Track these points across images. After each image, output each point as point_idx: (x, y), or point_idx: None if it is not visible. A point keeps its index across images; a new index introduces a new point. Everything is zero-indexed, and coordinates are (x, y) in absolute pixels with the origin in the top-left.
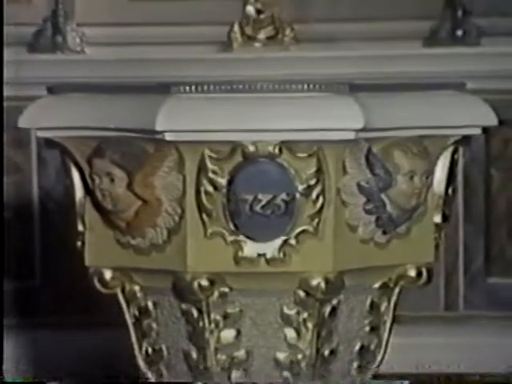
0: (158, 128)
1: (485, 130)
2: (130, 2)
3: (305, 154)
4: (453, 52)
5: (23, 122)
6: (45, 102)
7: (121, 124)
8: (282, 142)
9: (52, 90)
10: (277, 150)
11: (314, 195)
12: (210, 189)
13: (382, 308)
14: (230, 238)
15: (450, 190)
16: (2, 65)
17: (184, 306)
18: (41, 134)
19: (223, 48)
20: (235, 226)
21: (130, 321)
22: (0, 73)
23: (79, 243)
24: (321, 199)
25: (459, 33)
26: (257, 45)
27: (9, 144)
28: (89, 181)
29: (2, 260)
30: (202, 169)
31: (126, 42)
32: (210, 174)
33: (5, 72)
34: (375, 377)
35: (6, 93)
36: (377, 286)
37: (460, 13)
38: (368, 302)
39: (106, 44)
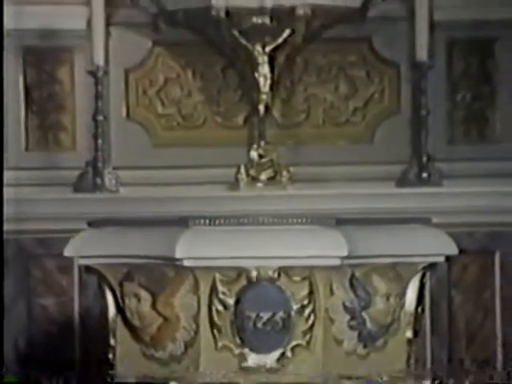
0: (178, 256)
1: (447, 257)
2: (154, 149)
3: (299, 278)
4: (420, 191)
5: (68, 251)
6: (86, 234)
7: (147, 252)
8: (280, 268)
9: (92, 224)
10: (276, 275)
11: (306, 313)
12: (221, 308)
13: None
14: (237, 351)
15: (419, 309)
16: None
17: None
18: (82, 261)
19: (231, 187)
20: (241, 339)
21: None
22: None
23: (111, 355)
24: (312, 317)
25: (425, 175)
26: (259, 184)
27: (55, 270)
28: (120, 301)
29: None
30: (213, 290)
31: (152, 183)
32: (221, 295)
33: (52, 209)
34: None
35: (53, 226)
36: None
37: (425, 159)
38: None
39: (136, 184)
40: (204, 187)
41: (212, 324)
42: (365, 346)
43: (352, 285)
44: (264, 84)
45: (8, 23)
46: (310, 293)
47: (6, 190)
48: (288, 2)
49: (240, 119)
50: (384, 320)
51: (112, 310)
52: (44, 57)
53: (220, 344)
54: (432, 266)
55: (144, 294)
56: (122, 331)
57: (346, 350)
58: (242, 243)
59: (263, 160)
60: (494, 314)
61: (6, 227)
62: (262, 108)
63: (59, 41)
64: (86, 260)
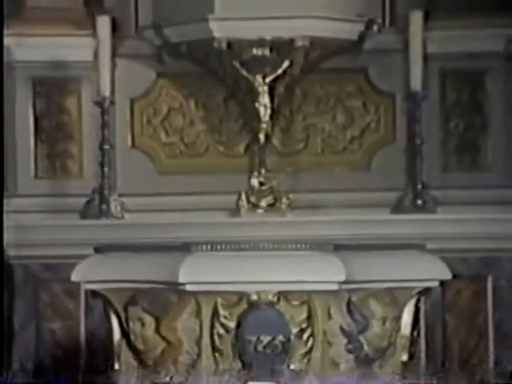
0: (181, 280)
1: (441, 282)
2: (158, 177)
3: (298, 302)
4: (415, 218)
5: (75, 276)
6: (92, 260)
7: (150, 277)
8: (280, 292)
9: (98, 249)
10: (275, 299)
11: (305, 337)
12: (222, 331)
13: None
14: (237, 374)
15: (414, 333)
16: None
17: None
18: (88, 286)
19: (233, 213)
20: (242, 362)
21: None
22: None
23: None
24: (311, 340)
25: (419, 202)
26: (260, 211)
27: (62, 294)
28: (124, 325)
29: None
30: (215, 314)
31: (156, 209)
32: (222, 319)
33: (59, 235)
34: None
35: (60, 252)
36: None
37: (420, 186)
38: None
39: (141, 211)
40: (206, 213)
41: (214, 347)
42: (361, 369)
43: (349, 309)
44: (264, 113)
45: (18, 55)
46: (309, 317)
47: (15, 217)
48: (287, 34)
49: (241, 147)
50: (380, 343)
51: (117, 333)
52: (52, 87)
53: (221, 367)
54: (427, 291)
55: (148, 319)
56: (126, 355)
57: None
58: (242, 268)
59: (263, 187)
60: (486, 337)
61: (14, 253)
62: (262, 137)
63: (67, 72)
64: (91, 285)
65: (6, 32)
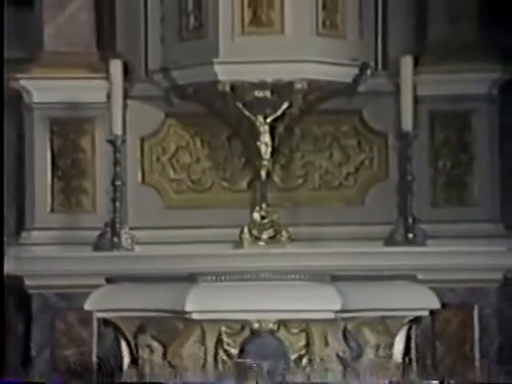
0: (187, 309)
1: (431, 311)
2: (166, 211)
3: (297, 330)
4: (406, 250)
5: (88, 305)
6: (104, 290)
7: (158, 306)
8: (280, 321)
9: (109, 280)
10: (276, 327)
11: (303, 363)
12: (225, 358)
13: None
14: None
15: (406, 359)
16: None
17: None
18: (100, 314)
19: (236, 245)
20: None
21: None
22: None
23: None
24: (309, 367)
25: (410, 235)
26: (261, 243)
27: (76, 322)
28: (134, 351)
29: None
30: (219, 342)
31: (164, 241)
32: (226, 346)
33: (73, 266)
34: None
35: (74, 282)
36: None
37: (410, 220)
38: None
39: (150, 243)
40: (211, 245)
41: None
42: None
43: (345, 336)
44: (265, 151)
45: (36, 97)
46: (307, 344)
47: (33, 248)
48: (287, 77)
49: (244, 183)
50: (374, 369)
51: (127, 359)
52: (68, 127)
53: None
54: (417, 320)
55: (156, 345)
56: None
57: None
58: (245, 298)
59: (265, 221)
60: (473, 363)
61: (31, 282)
62: (263, 173)
63: (82, 112)
64: (103, 313)
65: (25, 75)
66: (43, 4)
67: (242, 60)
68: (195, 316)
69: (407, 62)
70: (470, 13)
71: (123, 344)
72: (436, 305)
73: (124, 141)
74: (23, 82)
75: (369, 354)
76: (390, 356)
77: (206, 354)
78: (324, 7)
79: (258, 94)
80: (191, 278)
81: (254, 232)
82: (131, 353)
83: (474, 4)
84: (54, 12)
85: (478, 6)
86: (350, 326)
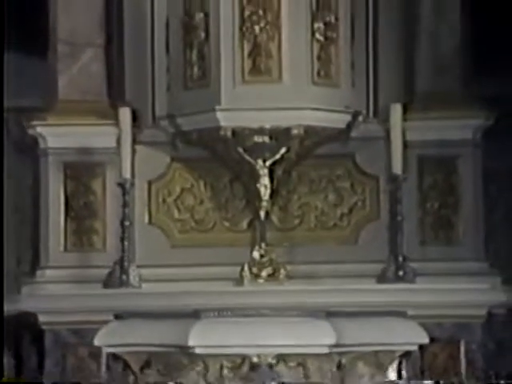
0: (190, 344)
1: (420, 346)
2: (171, 250)
3: (294, 364)
4: (396, 287)
5: (97, 341)
6: (112, 326)
7: (163, 341)
8: (278, 355)
9: (118, 316)
10: (274, 361)
11: None
12: None
13: None
14: None
15: None
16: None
17: None
18: (109, 349)
19: (237, 283)
20: None
21: None
22: None
23: None
24: None
25: (401, 273)
26: (260, 281)
27: (87, 357)
28: None
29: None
30: (221, 376)
31: (169, 279)
32: (226, 382)
33: (84, 302)
34: None
35: (85, 318)
36: None
37: (401, 259)
38: None
39: (156, 280)
40: (213, 283)
41: None
42: None
43: (339, 369)
44: (265, 193)
45: (51, 142)
46: (304, 377)
47: (47, 286)
48: (284, 123)
49: (244, 224)
50: None
51: None
52: (81, 171)
53: None
54: (407, 354)
55: (162, 380)
56: None
57: None
58: (245, 333)
59: (264, 259)
60: None
61: (44, 319)
62: (262, 214)
63: (93, 157)
64: (112, 348)
65: (41, 122)
66: (57, 55)
67: (242, 107)
68: (198, 350)
69: (396, 110)
70: (454, 65)
71: (131, 378)
72: (425, 339)
73: (133, 184)
74: (39, 129)
75: None
76: None
77: None
78: (319, 58)
79: (258, 139)
80: (195, 314)
81: (254, 270)
82: None
83: (458, 57)
84: (67, 63)
85: (462, 58)
86: (344, 360)
